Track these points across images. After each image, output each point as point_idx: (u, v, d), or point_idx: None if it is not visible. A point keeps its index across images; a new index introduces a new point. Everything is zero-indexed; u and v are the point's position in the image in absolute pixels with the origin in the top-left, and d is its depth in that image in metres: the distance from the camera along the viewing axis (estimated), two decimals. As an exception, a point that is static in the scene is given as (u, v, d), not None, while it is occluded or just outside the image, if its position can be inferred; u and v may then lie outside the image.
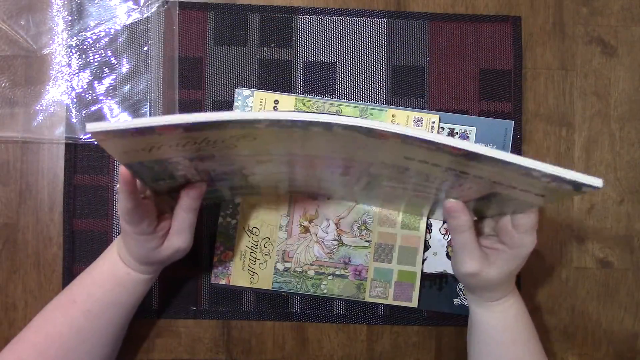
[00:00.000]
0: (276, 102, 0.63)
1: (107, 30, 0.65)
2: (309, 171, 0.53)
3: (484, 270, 0.52)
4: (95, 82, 0.65)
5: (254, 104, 0.63)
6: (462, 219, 0.51)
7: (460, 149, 0.38)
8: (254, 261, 0.64)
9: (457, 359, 0.67)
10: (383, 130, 0.38)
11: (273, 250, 0.64)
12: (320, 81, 0.65)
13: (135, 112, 0.65)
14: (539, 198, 0.44)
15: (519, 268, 0.53)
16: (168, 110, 0.65)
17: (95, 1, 0.65)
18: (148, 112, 0.65)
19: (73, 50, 0.65)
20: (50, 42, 0.64)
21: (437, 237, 0.65)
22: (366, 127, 0.38)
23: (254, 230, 0.64)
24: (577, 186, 0.40)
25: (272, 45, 0.65)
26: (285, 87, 0.65)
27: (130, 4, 0.65)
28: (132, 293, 0.56)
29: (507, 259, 0.52)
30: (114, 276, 0.55)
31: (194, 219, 0.53)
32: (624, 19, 0.68)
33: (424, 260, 0.65)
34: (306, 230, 0.65)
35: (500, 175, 0.42)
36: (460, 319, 0.66)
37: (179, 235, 0.52)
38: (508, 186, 0.44)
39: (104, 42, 0.65)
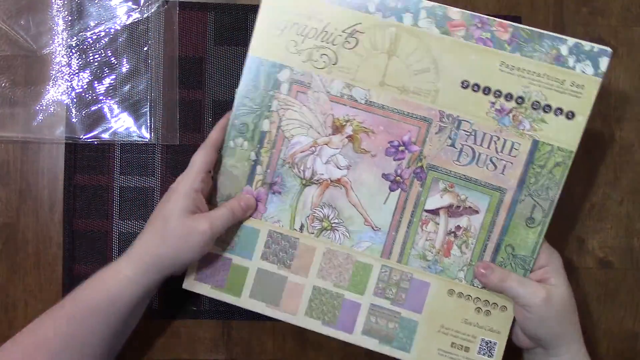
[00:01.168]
0: None
1: (107, 30, 0.66)
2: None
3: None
4: (95, 82, 0.66)
5: None
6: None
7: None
8: None
9: None
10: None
11: None
12: None
13: (135, 112, 0.66)
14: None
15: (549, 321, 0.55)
16: (168, 110, 0.67)
17: (95, 1, 0.66)
18: (148, 112, 0.67)
19: (73, 50, 0.66)
20: (50, 42, 0.65)
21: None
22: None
23: None
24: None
25: None
26: None
27: (130, 4, 0.66)
28: (123, 303, 0.55)
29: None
30: (106, 281, 0.54)
31: (229, 223, 0.57)
32: (624, 19, 0.69)
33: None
34: None
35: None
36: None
37: (211, 221, 0.55)
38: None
39: (104, 42, 0.66)
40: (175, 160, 0.66)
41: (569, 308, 0.56)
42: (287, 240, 0.59)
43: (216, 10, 0.67)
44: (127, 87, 0.66)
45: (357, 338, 0.59)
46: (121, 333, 0.57)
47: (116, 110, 0.66)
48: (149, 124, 0.66)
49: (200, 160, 0.57)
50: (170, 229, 0.54)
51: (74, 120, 0.65)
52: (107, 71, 0.66)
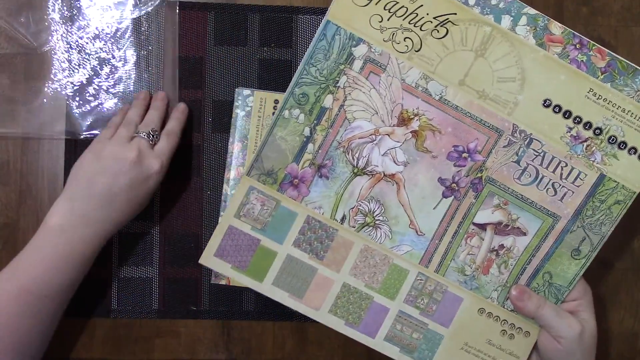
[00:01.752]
0: (276, 102, 0.63)
1: (107, 27, 0.64)
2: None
3: None
4: (95, 79, 0.64)
5: (254, 104, 0.63)
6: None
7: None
8: None
9: None
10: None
11: None
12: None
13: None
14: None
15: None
16: (168, 110, 0.64)
17: (95, -1, 0.65)
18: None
19: (73, 48, 0.64)
20: (50, 39, 0.64)
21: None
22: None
23: None
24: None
25: (272, 45, 0.65)
26: (285, 87, 0.61)
27: (130, 3, 0.65)
28: (89, 264, 0.57)
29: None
30: (79, 256, 0.55)
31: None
32: (624, 19, 0.69)
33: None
34: None
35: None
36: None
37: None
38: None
39: (103, 40, 0.64)
40: (175, 156, 0.62)
41: (593, 345, 0.56)
42: (325, 230, 0.55)
43: (216, 10, 0.65)
44: (126, 85, 0.65)
45: (378, 343, 0.56)
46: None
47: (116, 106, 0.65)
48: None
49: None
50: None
51: (74, 116, 0.64)
52: (107, 69, 0.64)
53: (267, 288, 0.55)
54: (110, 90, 0.64)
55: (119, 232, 0.62)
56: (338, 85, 0.53)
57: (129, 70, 0.64)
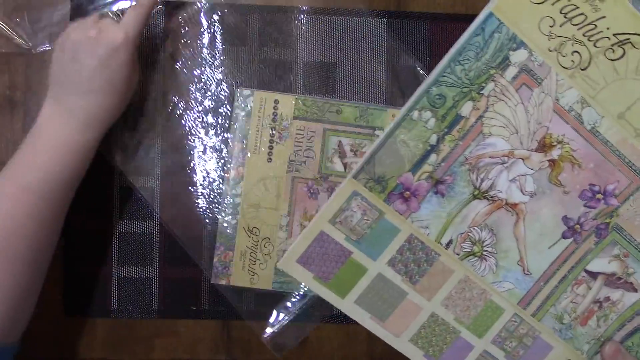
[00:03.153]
0: (276, 102, 0.61)
1: None
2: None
3: None
4: None
5: (254, 104, 0.61)
6: None
7: None
8: (254, 261, 0.62)
9: None
10: None
11: (273, 250, 0.61)
12: (320, 81, 0.64)
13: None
14: None
15: None
16: None
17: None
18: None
19: None
20: (49, 40, 0.63)
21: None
22: None
23: (254, 230, 0.62)
24: None
25: (272, 45, 0.64)
26: (285, 87, 0.64)
27: (128, 2, 0.63)
28: (85, 162, 0.55)
29: None
30: (77, 148, 0.54)
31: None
32: None
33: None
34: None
35: None
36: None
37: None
38: None
39: None
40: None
41: None
42: (426, 253, 0.48)
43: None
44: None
45: (453, 381, 0.51)
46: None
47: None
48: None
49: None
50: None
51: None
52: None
53: (349, 306, 0.49)
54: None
55: (119, 232, 0.62)
56: (482, 92, 0.45)
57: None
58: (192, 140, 0.63)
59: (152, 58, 0.62)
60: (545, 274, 0.50)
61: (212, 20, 0.63)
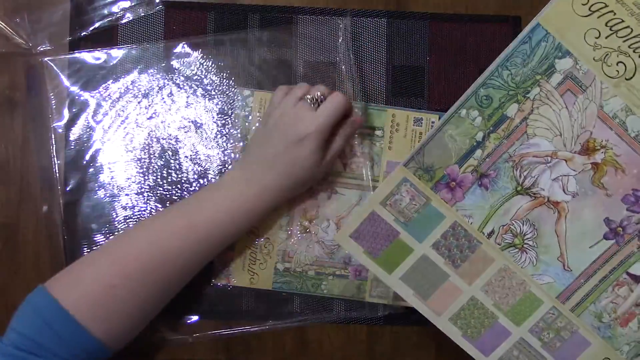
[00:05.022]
0: None
1: (107, 25, 0.66)
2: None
3: None
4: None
5: (254, 104, 0.64)
6: None
7: None
8: (254, 261, 0.65)
9: (457, 359, 0.68)
10: None
11: (273, 250, 0.65)
12: (320, 81, 0.65)
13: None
14: None
15: None
16: None
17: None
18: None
19: (72, 49, 0.66)
20: (48, 40, 0.65)
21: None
22: None
23: (254, 230, 0.65)
24: None
25: (272, 45, 0.66)
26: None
27: (128, 2, 0.66)
28: (250, 224, 0.60)
29: None
30: (243, 209, 0.58)
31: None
32: None
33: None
34: (306, 230, 0.65)
35: None
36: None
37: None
38: None
39: (103, 39, 0.66)
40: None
41: None
42: (469, 240, 0.54)
43: (216, 10, 0.67)
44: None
45: (490, 364, 0.57)
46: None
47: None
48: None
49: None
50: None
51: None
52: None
53: (394, 281, 0.55)
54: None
55: (120, 231, 0.64)
56: (528, 95, 0.51)
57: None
58: (192, 140, 0.66)
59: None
60: (586, 272, 0.54)
61: (212, 20, 0.66)
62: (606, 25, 0.49)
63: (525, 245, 0.54)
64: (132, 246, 0.55)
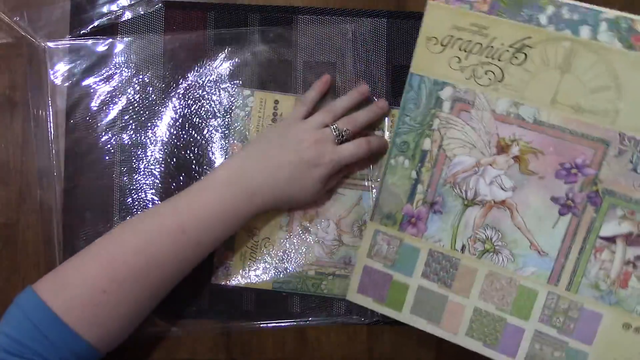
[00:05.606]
0: (276, 102, 0.66)
1: (107, 23, 0.67)
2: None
3: None
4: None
5: (254, 104, 0.66)
6: None
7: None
8: (254, 261, 0.67)
9: (457, 359, 0.67)
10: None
11: (273, 250, 0.67)
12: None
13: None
14: None
15: None
16: None
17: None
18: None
19: (74, 44, 0.67)
20: (51, 35, 0.66)
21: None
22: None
23: (254, 230, 0.67)
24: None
25: (272, 45, 0.67)
26: (285, 87, 0.67)
27: (127, 1, 0.67)
28: (239, 227, 0.61)
29: None
30: (234, 213, 0.59)
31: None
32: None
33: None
34: (306, 230, 0.67)
35: None
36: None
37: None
38: None
39: (105, 35, 0.67)
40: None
41: None
42: (448, 260, 0.62)
43: (216, 10, 0.68)
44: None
45: (521, 363, 0.61)
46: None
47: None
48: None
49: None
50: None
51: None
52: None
53: (407, 317, 0.64)
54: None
55: None
56: (433, 128, 0.61)
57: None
58: (192, 141, 0.67)
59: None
60: (562, 251, 0.58)
61: (212, 20, 0.67)
62: (460, 49, 0.58)
63: (496, 247, 0.60)
64: (121, 250, 0.55)
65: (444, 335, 0.63)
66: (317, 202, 0.67)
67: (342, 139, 0.62)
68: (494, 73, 0.58)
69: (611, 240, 0.57)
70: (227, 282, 0.66)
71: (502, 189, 0.59)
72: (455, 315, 0.62)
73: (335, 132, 0.62)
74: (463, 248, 0.61)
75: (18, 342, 0.51)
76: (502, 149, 0.59)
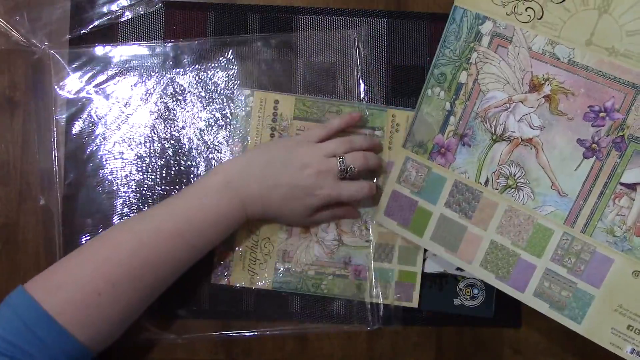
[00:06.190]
0: (276, 102, 0.67)
1: (107, 23, 0.68)
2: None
3: None
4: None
5: (254, 104, 0.67)
6: None
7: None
8: (254, 261, 0.67)
9: (457, 359, 0.68)
10: None
11: (273, 250, 0.68)
12: (320, 81, 0.67)
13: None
14: None
15: None
16: None
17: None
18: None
19: (72, 46, 0.68)
20: (48, 38, 0.67)
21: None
22: None
23: (254, 230, 0.67)
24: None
25: (273, 45, 0.67)
26: (285, 87, 0.67)
27: (127, 1, 0.68)
28: (231, 231, 0.62)
29: None
30: (228, 219, 0.60)
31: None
32: None
33: (424, 260, 0.70)
34: (306, 230, 0.68)
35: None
36: (460, 319, 0.70)
37: None
38: None
39: (103, 38, 0.68)
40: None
41: None
42: (471, 192, 0.65)
43: (216, 10, 0.68)
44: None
45: (528, 298, 0.62)
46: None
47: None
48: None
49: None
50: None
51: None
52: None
53: (427, 242, 0.68)
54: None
55: None
56: (470, 61, 0.63)
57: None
58: (192, 141, 0.67)
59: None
60: (582, 193, 0.59)
61: (212, 20, 0.67)
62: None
63: (518, 184, 0.62)
64: (116, 251, 0.55)
65: (460, 263, 0.66)
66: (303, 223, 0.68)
67: (345, 175, 0.63)
68: (534, 10, 0.59)
69: (631, 187, 0.57)
70: (227, 282, 0.67)
71: (531, 127, 0.61)
72: (472, 246, 0.65)
73: (341, 165, 0.62)
74: (487, 182, 0.64)
75: (7, 342, 0.50)
76: (535, 87, 0.60)
